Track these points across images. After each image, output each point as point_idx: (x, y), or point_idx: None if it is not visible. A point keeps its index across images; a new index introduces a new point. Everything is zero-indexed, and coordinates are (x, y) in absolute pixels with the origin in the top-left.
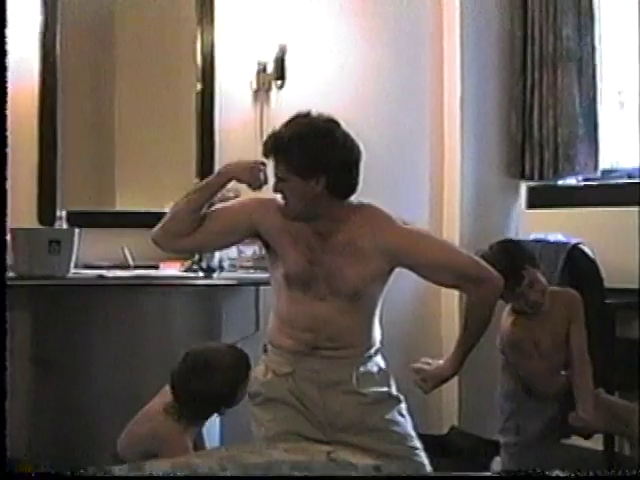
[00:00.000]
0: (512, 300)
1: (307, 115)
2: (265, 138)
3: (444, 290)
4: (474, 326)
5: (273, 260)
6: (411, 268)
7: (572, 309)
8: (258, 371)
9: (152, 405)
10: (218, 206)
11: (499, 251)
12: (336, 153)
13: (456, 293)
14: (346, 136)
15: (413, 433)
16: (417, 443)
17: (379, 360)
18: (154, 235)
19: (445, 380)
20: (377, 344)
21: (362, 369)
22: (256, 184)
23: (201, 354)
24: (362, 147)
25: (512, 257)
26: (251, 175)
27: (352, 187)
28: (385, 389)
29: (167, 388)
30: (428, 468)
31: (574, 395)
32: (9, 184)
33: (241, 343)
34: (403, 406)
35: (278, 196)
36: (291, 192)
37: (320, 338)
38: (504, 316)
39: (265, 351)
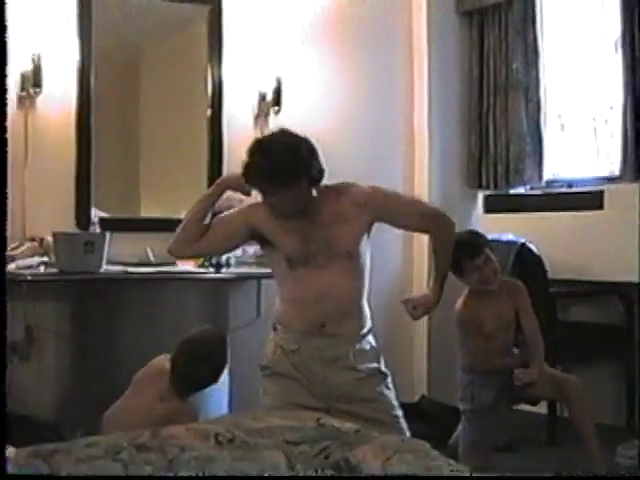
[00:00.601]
0: (469, 271)
1: (268, 140)
2: (246, 168)
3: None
4: (442, 261)
5: (272, 253)
6: (386, 217)
7: (517, 297)
8: (268, 347)
9: (136, 399)
10: (220, 216)
11: (467, 231)
12: (309, 154)
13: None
14: (300, 138)
15: (396, 403)
16: (399, 412)
17: (371, 339)
18: (170, 247)
19: (431, 307)
20: (369, 324)
21: (358, 347)
22: (245, 190)
23: (195, 342)
24: (343, 158)
25: (475, 235)
26: (239, 184)
27: (322, 173)
28: (376, 365)
29: (137, 378)
30: (407, 433)
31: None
32: (51, 196)
33: (245, 326)
34: (389, 380)
35: None
36: (287, 201)
37: (326, 310)
38: (459, 299)
39: (275, 330)
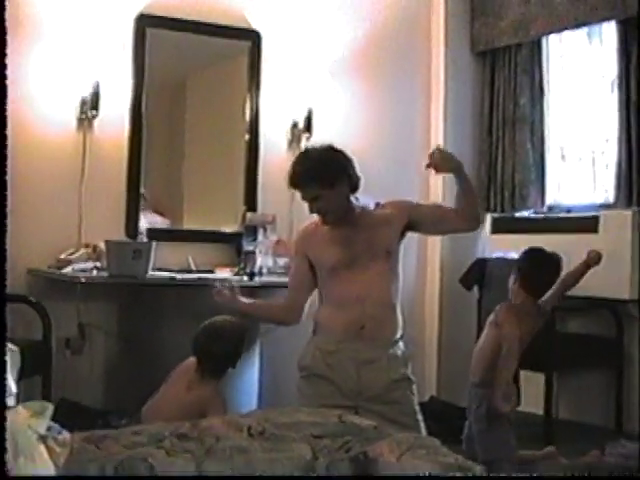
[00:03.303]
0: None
1: (310, 149)
2: (291, 175)
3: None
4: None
5: (320, 270)
6: (420, 216)
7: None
8: (307, 349)
9: (169, 391)
10: (290, 271)
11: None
12: (345, 160)
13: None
14: (336, 148)
15: (418, 408)
16: (420, 417)
17: (401, 345)
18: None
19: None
20: (401, 331)
21: (391, 351)
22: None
23: (213, 324)
24: (365, 182)
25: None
26: (222, 299)
27: (359, 179)
28: (404, 370)
29: (170, 375)
30: (424, 432)
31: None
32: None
33: (274, 330)
34: (414, 387)
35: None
36: (328, 202)
37: (367, 310)
38: (512, 317)
39: (314, 333)
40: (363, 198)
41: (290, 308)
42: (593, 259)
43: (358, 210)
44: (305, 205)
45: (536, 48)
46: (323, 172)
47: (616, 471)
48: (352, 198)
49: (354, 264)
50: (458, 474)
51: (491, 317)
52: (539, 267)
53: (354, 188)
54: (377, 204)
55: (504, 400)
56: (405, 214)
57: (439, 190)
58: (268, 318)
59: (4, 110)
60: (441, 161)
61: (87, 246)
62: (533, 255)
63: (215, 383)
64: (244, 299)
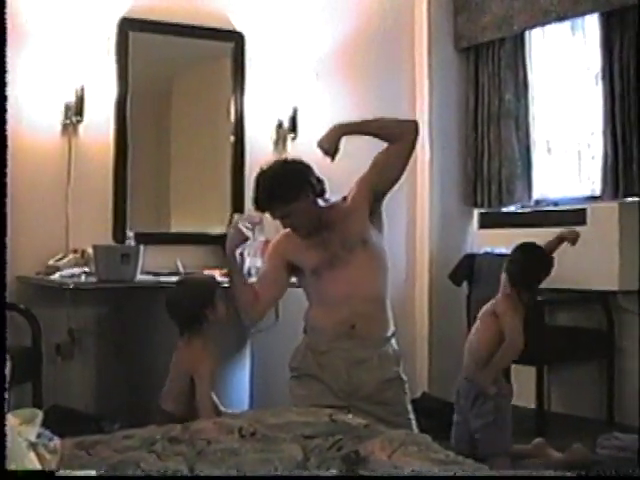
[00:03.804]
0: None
1: (266, 168)
2: (254, 199)
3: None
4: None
5: (301, 275)
6: (378, 183)
7: None
8: (298, 349)
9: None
10: (260, 270)
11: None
12: (303, 170)
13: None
14: (290, 160)
15: (410, 407)
16: (412, 415)
17: (393, 343)
18: (245, 321)
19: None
20: (392, 327)
21: (382, 350)
22: (247, 236)
23: (179, 282)
24: (352, 178)
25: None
26: (240, 235)
27: (322, 182)
28: (396, 369)
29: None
30: (416, 430)
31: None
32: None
33: (264, 330)
34: (406, 385)
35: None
36: (298, 216)
37: (356, 308)
38: (516, 317)
39: (305, 332)
40: (331, 196)
41: (255, 303)
42: (569, 234)
43: (327, 210)
44: None
45: (519, 42)
46: (284, 189)
47: (610, 464)
48: (320, 201)
49: (335, 263)
50: (451, 470)
51: (487, 309)
52: (532, 261)
53: (320, 193)
54: (344, 198)
55: (493, 383)
56: (364, 190)
57: (426, 184)
58: (239, 295)
59: (4, 121)
60: (325, 145)
61: (75, 251)
62: (527, 249)
63: (198, 342)
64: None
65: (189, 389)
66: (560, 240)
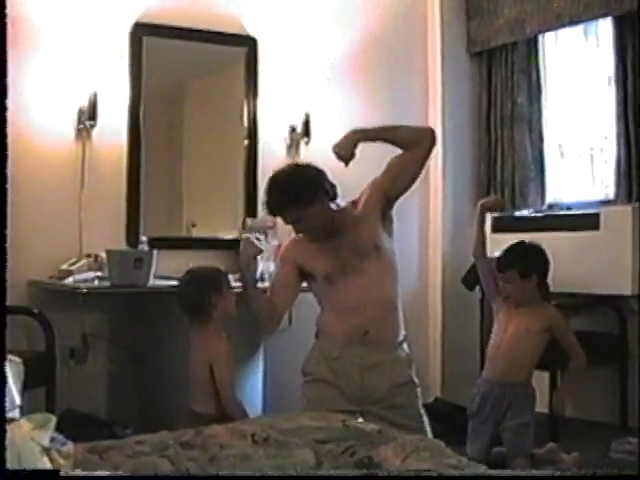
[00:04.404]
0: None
1: (278, 172)
2: (266, 204)
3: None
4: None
5: (313, 280)
6: (392, 188)
7: None
8: (311, 354)
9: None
10: (272, 279)
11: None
12: (315, 174)
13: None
14: (303, 164)
15: (422, 411)
16: (425, 418)
17: (405, 347)
18: (263, 332)
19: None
20: (403, 332)
21: (395, 354)
22: (259, 250)
23: (189, 271)
24: (365, 184)
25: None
26: (253, 249)
27: (334, 187)
28: (409, 373)
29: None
30: (430, 435)
31: None
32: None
33: (278, 334)
34: (419, 390)
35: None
36: (310, 221)
37: (369, 315)
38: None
39: (317, 337)
40: (341, 201)
41: (273, 314)
42: (488, 202)
43: (338, 214)
44: None
45: (532, 46)
46: (297, 193)
47: (621, 467)
48: (333, 206)
49: (347, 270)
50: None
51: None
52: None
53: (332, 198)
54: (353, 202)
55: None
56: (376, 195)
57: (439, 188)
58: (257, 308)
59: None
60: (341, 151)
61: (88, 256)
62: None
63: (209, 330)
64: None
65: (211, 381)
66: (482, 209)
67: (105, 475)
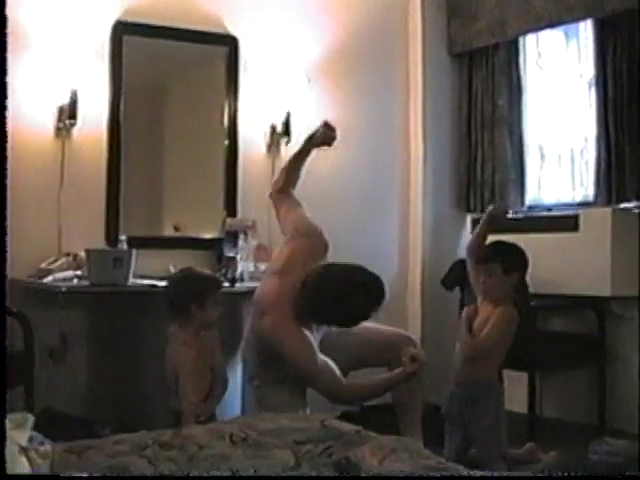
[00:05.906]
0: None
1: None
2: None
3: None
4: None
5: None
6: None
7: None
8: None
9: None
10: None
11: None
12: None
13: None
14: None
15: None
16: None
17: None
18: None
19: None
20: None
21: None
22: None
23: (183, 270)
24: (345, 183)
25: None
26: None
27: None
28: None
29: None
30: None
31: None
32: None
33: None
34: None
35: None
36: None
37: None
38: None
39: None
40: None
41: None
42: (496, 209)
43: None
44: None
45: (513, 48)
46: None
47: (601, 469)
48: None
49: None
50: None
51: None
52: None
53: None
54: None
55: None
56: None
57: (419, 189)
58: None
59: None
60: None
61: (68, 255)
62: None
63: (181, 335)
64: None
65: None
66: (490, 217)
67: (105, 475)
